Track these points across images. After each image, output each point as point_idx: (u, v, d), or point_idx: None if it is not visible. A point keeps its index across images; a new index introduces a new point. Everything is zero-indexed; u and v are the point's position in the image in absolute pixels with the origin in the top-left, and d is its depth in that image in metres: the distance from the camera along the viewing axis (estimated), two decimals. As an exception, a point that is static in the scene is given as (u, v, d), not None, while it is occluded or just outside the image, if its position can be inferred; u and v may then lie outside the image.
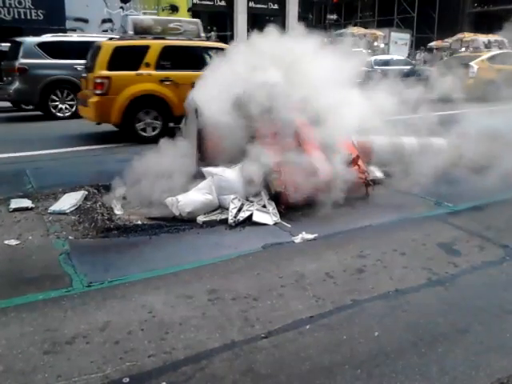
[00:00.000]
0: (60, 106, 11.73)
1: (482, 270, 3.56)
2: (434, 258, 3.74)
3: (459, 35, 25.75)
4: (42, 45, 11.70)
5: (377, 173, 5.69)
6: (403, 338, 2.70)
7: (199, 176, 4.82)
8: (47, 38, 12.25)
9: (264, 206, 4.62)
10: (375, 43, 28.36)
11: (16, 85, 11.45)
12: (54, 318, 2.88)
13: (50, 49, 11.68)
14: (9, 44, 12.58)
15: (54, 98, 11.64)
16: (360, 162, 5.13)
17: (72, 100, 11.63)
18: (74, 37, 13.11)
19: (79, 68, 11.08)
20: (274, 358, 2.51)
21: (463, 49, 22.78)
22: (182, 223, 4.42)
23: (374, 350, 2.58)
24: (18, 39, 12.05)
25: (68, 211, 4.69)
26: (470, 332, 2.77)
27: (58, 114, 11.67)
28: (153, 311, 2.95)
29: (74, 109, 11.45)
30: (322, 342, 2.65)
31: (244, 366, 2.45)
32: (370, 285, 3.29)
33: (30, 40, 11.84)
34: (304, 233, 4.12)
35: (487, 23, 31.16)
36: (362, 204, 4.99)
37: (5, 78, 12.08)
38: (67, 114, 11.68)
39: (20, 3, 18.68)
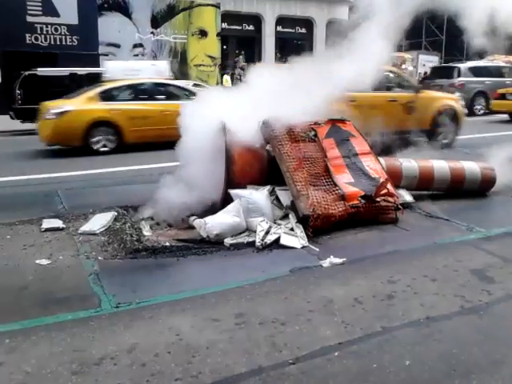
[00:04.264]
0: None
1: (517, 299, 3.43)
2: (466, 284, 3.63)
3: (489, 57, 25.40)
4: None
5: (406, 197, 5.60)
6: (436, 368, 2.61)
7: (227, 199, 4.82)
8: None
9: (292, 229, 4.59)
10: (403, 66, 28.25)
11: None
12: (83, 339, 2.90)
13: None
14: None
15: None
16: (389, 186, 5.07)
17: None
18: None
19: None
20: (302, 386, 2.46)
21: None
22: (210, 245, 4.42)
23: (405, 380, 2.51)
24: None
25: (98, 232, 4.76)
26: (506, 363, 2.67)
27: None
28: (180, 334, 2.94)
29: None
30: (350, 370, 2.58)
31: (271, 393, 2.40)
32: (400, 311, 3.21)
33: None
34: (332, 257, 4.07)
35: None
36: (391, 228, 4.91)
37: None
38: None
39: (56, 30, 19.43)
